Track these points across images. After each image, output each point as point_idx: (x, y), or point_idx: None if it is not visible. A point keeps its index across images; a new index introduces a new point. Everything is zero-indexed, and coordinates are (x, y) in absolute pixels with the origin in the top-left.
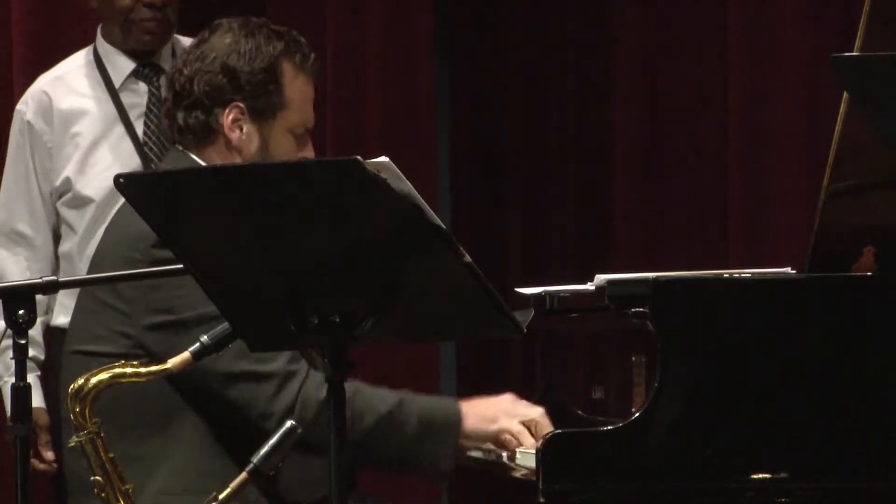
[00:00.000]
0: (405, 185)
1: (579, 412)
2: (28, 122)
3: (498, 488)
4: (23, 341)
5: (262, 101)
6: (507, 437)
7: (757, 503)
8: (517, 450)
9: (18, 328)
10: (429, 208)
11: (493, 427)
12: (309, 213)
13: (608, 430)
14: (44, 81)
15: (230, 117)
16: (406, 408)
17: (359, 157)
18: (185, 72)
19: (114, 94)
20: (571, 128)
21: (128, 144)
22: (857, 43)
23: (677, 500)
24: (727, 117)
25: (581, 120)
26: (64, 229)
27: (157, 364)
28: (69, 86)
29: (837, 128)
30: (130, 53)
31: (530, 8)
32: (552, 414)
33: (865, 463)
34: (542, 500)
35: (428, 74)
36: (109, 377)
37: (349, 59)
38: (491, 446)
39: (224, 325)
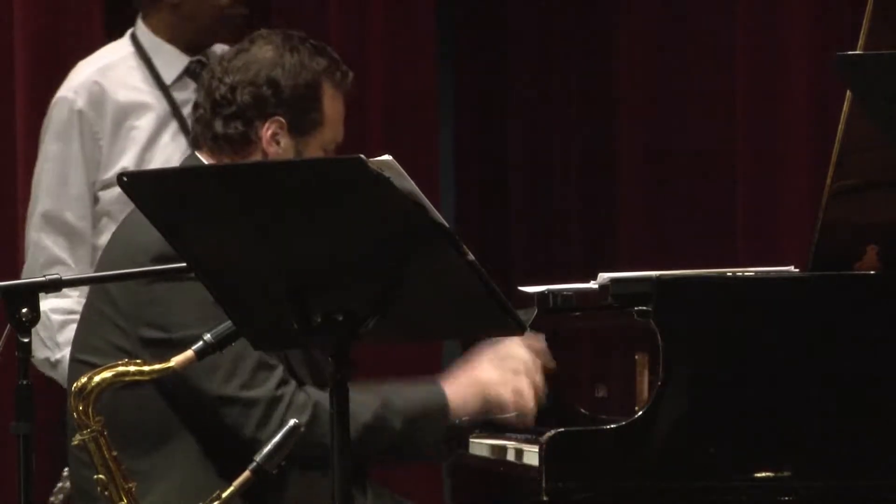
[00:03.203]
0: (408, 184)
1: (582, 410)
2: (79, 111)
3: (501, 486)
4: (25, 340)
5: (303, 117)
6: (499, 403)
7: (760, 501)
8: (524, 450)
9: (22, 326)
10: (432, 206)
11: (479, 401)
12: (312, 211)
13: (611, 429)
14: (91, 71)
15: (270, 131)
16: (390, 407)
17: (362, 156)
18: (227, 81)
19: (164, 88)
20: (576, 125)
21: (183, 140)
22: (861, 42)
23: (680, 498)
24: (733, 115)
25: (585, 118)
26: (105, 221)
27: (159, 363)
28: (120, 78)
29: (840, 126)
30: (186, 49)
31: (533, 6)
32: (555, 412)
33: (868, 461)
34: (544, 498)
35: (430, 72)
36: (112, 375)
37: (351, 58)
38: (494, 440)
39: (227, 324)
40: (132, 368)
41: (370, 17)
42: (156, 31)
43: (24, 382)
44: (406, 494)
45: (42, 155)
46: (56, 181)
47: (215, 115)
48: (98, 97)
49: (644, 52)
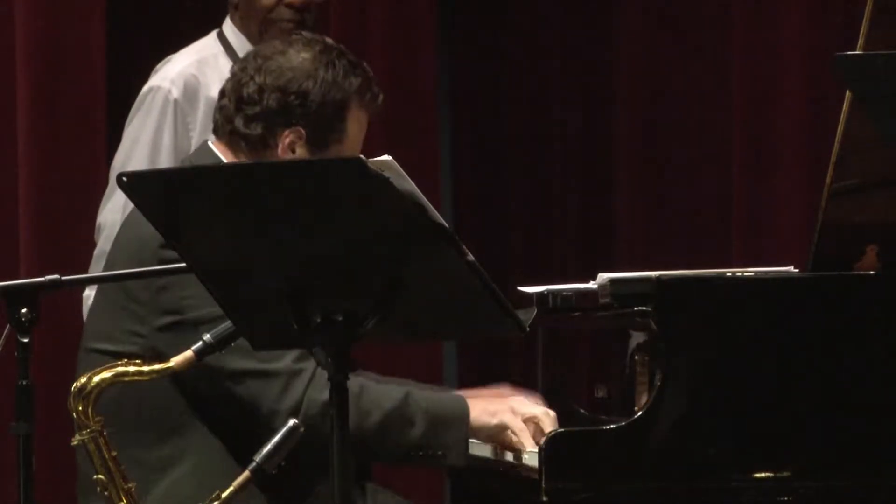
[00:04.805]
0: (408, 184)
1: (582, 411)
2: (175, 101)
3: (501, 487)
4: (25, 340)
5: (324, 133)
6: (509, 434)
7: (759, 501)
8: (526, 450)
9: (21, 326)
10: (432, 207)
11: (495, 420)
12: (312, 211)
13: (611, 429)
14: (188, 63)
15: (288, 139)
16: (413, 403)
17: (361, 156)
18: (257, 80)
19: None
20: (574, 126)
21: None
22: (860, 42)
23: (680, 498)
24: (730, 115)
25: (583, 118)
26: None
27: (159, 363)
28: (214, 73)
29: (840, 127)
30: None
31: (532, 7)
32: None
33: (868, 461)
34: (544, 498)
35: (431, 73)
36: (112, 375)
37: None
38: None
39: (227, 324)
40: (132, 369)
41: (370, 17)
42: (240, 30)
43: (24, 382)
44: (406, 495)
45: (129, 141)
46: (146, 167)
47: (238, 111)
48: (193, 89)
49: (641, 54)
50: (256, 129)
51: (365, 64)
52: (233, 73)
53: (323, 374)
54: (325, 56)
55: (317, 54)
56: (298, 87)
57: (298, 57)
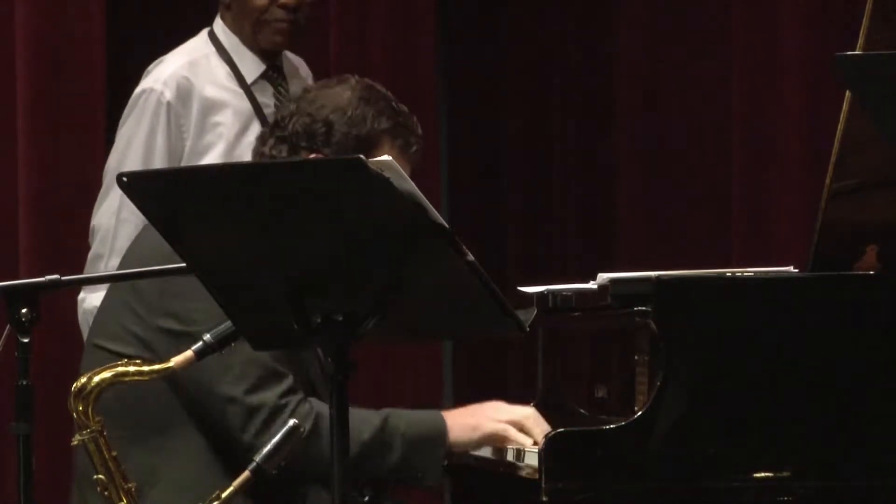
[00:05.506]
0: (408, 184)
1: (582, 411)
2: (168, 103)
3: (501, 487)
4: (25, 340)
5: None
6: (499, 439)
7: (759, 501)
8: (526, 450)
9: (21, 326)
10: (431, 207)
11: (478, 434)
12: (312, 211)
13: (611, 429)
14: (179, 65)
15: None
16: (390, 427)
17: (362, 156)
18: (292, 107)
19: (247, 89)
20: (573, 126)
21: None
22: (860, 42)
23: (679, 498)
24: (730, 116)
25: (583, 118)
26: None
27: (160, 363)
28: (207, 73)
29: (840, 127)
30: (258, 53)
31: (531, 8)
32: (554, 413)
33: (868, 461)
34: (544, 498)
35: (430, 72)
36: (112, 376)
37: (352, 58)
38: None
39: (227, 324)
40: (132, 369)
41: (370, 17)
42: (232, 30)
43: (24, 382)
44: (406, 494)
45: (123, 143)
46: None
47: (271, 135)
48: (186, 91)
49: (642, 54)
50: (282, 152)
51: (413, 119)
52: (282, 102)
53: (305, 406)
54: (364, 94)
55: (357, 92)
56: (325, 116)
57: (340, 93)
